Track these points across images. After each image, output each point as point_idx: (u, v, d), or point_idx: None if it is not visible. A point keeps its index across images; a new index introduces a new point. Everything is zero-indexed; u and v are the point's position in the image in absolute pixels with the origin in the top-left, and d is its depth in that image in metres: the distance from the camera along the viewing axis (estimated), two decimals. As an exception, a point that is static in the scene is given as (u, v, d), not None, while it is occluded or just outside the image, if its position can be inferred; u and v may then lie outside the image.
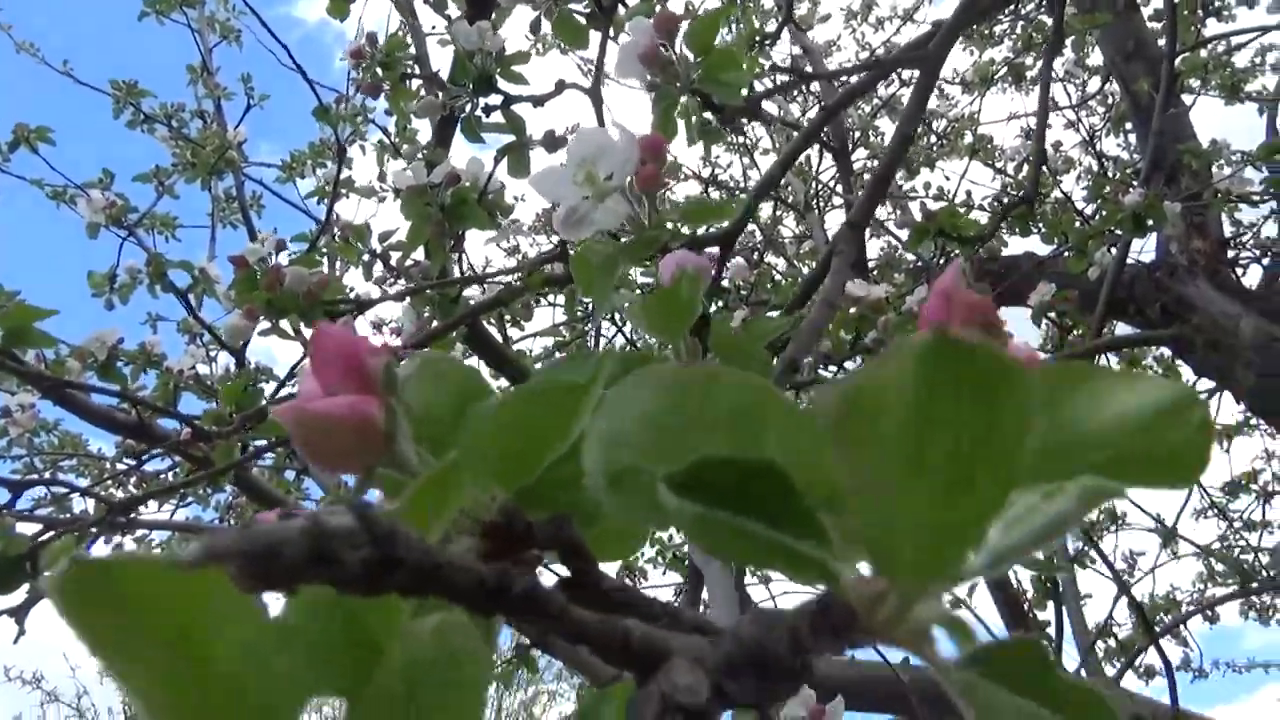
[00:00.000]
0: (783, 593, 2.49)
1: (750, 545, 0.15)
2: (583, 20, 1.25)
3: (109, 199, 2.18)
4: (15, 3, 3.02)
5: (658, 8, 1.25)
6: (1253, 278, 3.04)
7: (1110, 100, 3.67)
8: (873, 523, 0.14)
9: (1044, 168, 3.05)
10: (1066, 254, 2.29)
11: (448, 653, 0.20)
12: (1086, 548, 2.40)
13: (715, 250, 0.99)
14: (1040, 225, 2.95)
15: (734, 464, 0.15)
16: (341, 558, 0.13)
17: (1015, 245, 3.42)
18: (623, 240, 0.58)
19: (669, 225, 0.61)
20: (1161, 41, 2.63)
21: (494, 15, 1.47)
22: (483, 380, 0.29)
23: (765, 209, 3.86)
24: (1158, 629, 2.32)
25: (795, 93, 3.59)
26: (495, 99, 1.20)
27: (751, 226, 3.82)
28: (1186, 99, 2.91)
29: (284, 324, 1.33)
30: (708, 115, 0.83)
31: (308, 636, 0.17)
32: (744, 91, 0.84)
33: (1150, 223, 2.08)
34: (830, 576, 0.15)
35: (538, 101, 1.22)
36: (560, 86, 1.21)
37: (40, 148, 2.48)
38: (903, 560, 0.15)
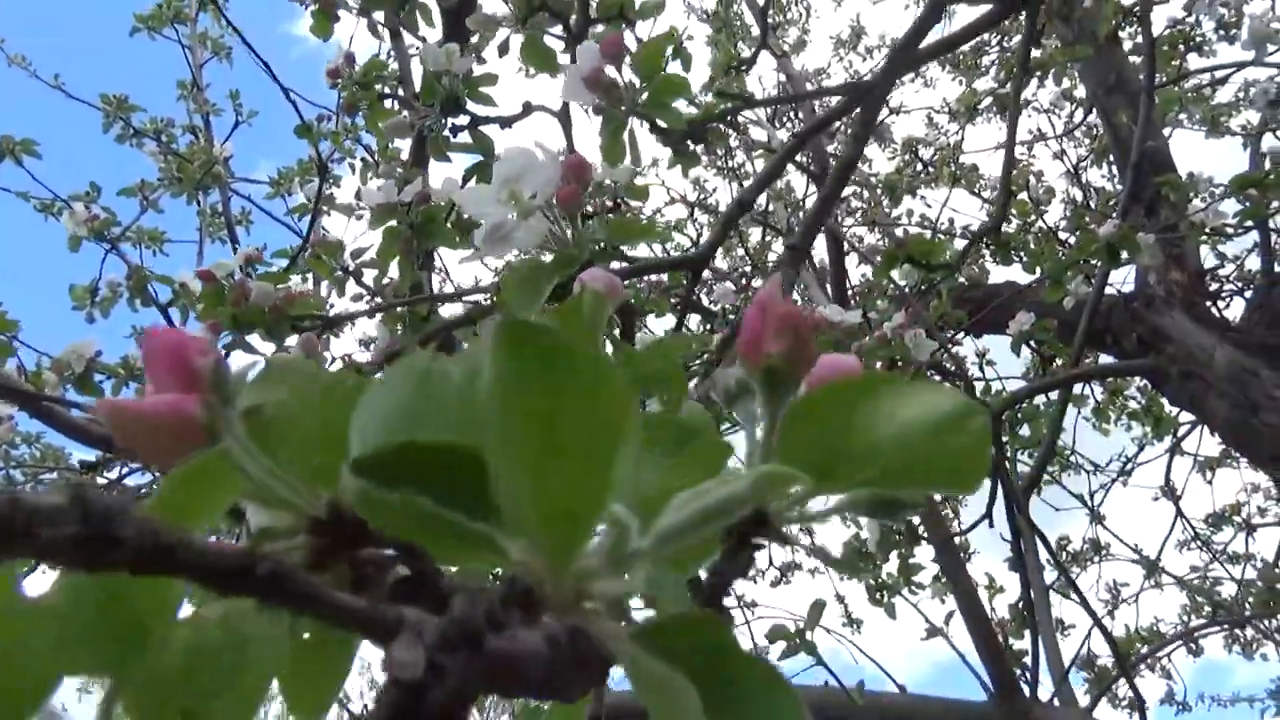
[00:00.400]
0: (757, 616, 2.49)
1: (422, 525, 0.16)
2: (553, 45, 1.27)
3: (92, 213, 2.20)
4: (7, 16, 3.05)
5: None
6: (1236, 310, 3.06)
7: (1095, 132, 3.71)
8: (503, 496, 0.15)
9: (1026, 197, 3.08)
10: (1043, 283, 2.31)
11: (234, 638, 0.21)
12: (1061, 578, 2.40)
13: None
14: (1022, 255, 2.98)
15: (434, 449, 0.16)
16: (37, 533, 0.14)
17: (998, 274, 3.45)
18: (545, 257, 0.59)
19: (599, 244, 0.62)
20: (1142, 75, 2.66)
21: (475, 39, 1.50)
22: (341, 381, 0.29)
23: (755, 234, 3.89)
24: (1133, 659, 2.32)
25: (784, 119, 3.63)
26: (463, 119, 1.21)
27: (740, 251, 3.85)
28: (1167, 132, 2.94)
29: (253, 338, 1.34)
30: (654, 137, 0.85)
31: (68, 616, 0.18)
32: (687, 115, 0.85)
33: (1124, 253, 2.09)
34: (503, 555, 0.16)
35: (505, 123, 1.23)
36: (528, 108, 1.22)
37: (28, 161, 2.50)
38: (530, 530, 0.16)
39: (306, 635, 0.32)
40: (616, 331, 0.80)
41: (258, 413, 0.28)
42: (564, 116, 1.32)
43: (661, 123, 0.81)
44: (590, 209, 1.57)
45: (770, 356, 0.26)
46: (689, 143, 0.92)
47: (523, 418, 0.14)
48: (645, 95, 0.80)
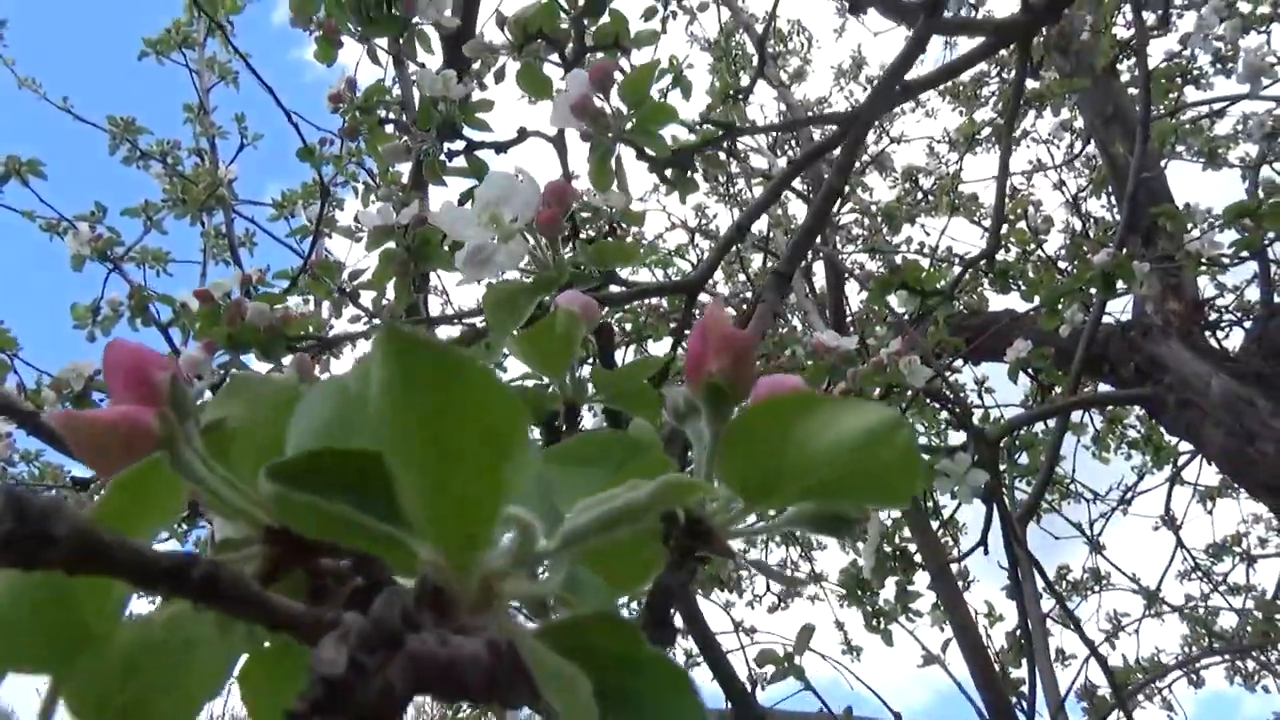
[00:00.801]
0: (754, 642, 2.48)
1: (333, 526, 0.17)
2: (551, 73, 1.29)
3: (96, 233, 2.22)
4: (17, 40, 3.09)
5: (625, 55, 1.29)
6: (1235, 341, 3.06)
7: (1095, 163, 3.73)
8: (402, 500, 0.16)
9: (1025, 226, 3.09)
10: (1040, 311, 2.32)
11: (179, 639, 0.22)
12: (1058, 607, 2.39)
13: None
14: (1020, 283, 2.99)
15: (344, 455, 0.17)
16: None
17: (997, 303, 3.45)
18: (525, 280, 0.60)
19: (579, 266, 0.63)
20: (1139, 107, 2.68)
21: (476, 66, 1.52)
22: (292, 395, 0.30)
23: (756, 260, 3.91)
24: (1131, 689, 2.30)
25: (785, 147, 3.66)
26: (459, 144, 1.23)
27: (741, 276, 3.87)
28: (1165, 164, 2.96)
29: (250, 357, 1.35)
30: (647, 164, 0.86)
31: (8, 615, 0.19)
32: (672, 142, 0.87)
33: (1120, 282, 2.11)
34: (412, 555, 0.17)
35: (501, 148, 1.25)
36: (523, 134, 1.24)
37: (34, 182, 2.53)
38: (430, 532, 0.16)
39: (267, 644, 0.32)
40: (595, 357, 0.81)
41: (218, 427, 0.29)
42: (559, 142, 1.34)
43: (648, 149, 0.82)
44: (590, 233, 1.59)
45: (712, 375, 0.27)
46: (674, 169, 0.93)
47: (409, 425, 0.15)
48: (632, 123, 0.81)
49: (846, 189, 3.79)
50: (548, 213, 0.58)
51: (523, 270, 0.60)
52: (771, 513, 0.31)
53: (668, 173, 0.92)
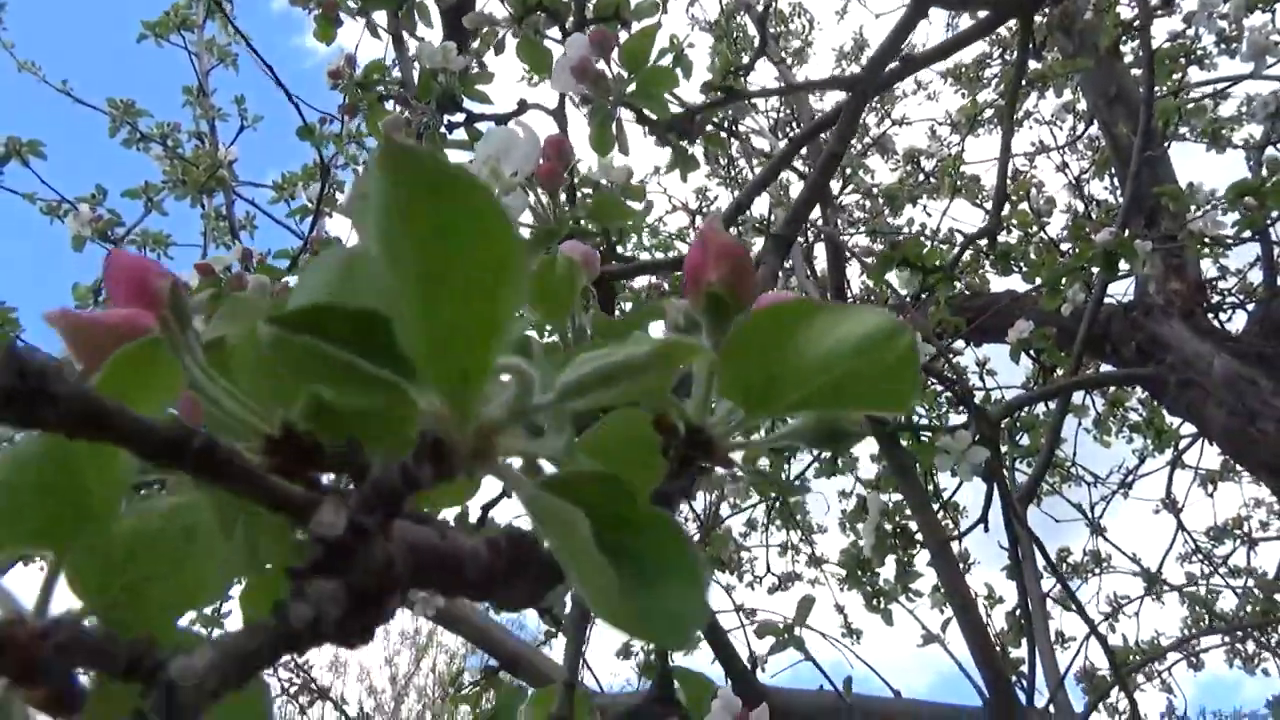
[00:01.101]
0: (754, 622, 2.48)
1: (330, 370, 0.17)
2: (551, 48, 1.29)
3: (97, 214, 2.22)
4: (17, 23, 3.08)
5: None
6: (1237, 323, 3.06)
7: (1097, 144, 3.72)
8: (402, 333, 0.16)
9: (1027, 208, 3.09)
10: (1041, 291, 2.31)
11: (178, 528, 0.22)
12: (1058, 587, 2.39)
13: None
14: (1022, 265, 2.99)
15: (343, 311, 0.17)
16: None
17: (999, 285, 3.45)
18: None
19: (578, 220, 0.63)
20: (1142, 86, 2.67)
21: (477, 42, 1.51)
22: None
23: (758, 243, 3.90)
24: (1129, 668, 2.31)
25: (786, 129, 3.65)
26: (459, 117, 1.23)
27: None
28: (1168, 145, 2.95)
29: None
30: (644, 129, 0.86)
31: (12, 487, 0.19)
32: (674, 108, 0.87)
33: (1122, 261, 2.10)
34: (409, 403, 0.17)
35: (500, 120, 1.25)
36: (523, 106, 1.24)
37: (35, 163, 2.53)
38: (428, 369, 0.16)
39: (269, 566, 0.32)
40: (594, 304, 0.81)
41: (218, 346, 0.29)
42: (559, 114, 1.33)
43: (648, 113, 0.82)
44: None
45: (711, 285, 0.27)
46: (676, 135, 0.93)
47: (404, 242, 0.15)
48: (632, 86, 0.81)
49: (847, 172, 3.78)
50: (547, 165, 0.58)
51: (523, 224, 0.60)
52: (769, 427, 0.31)
53: (668, 136, 0.92)
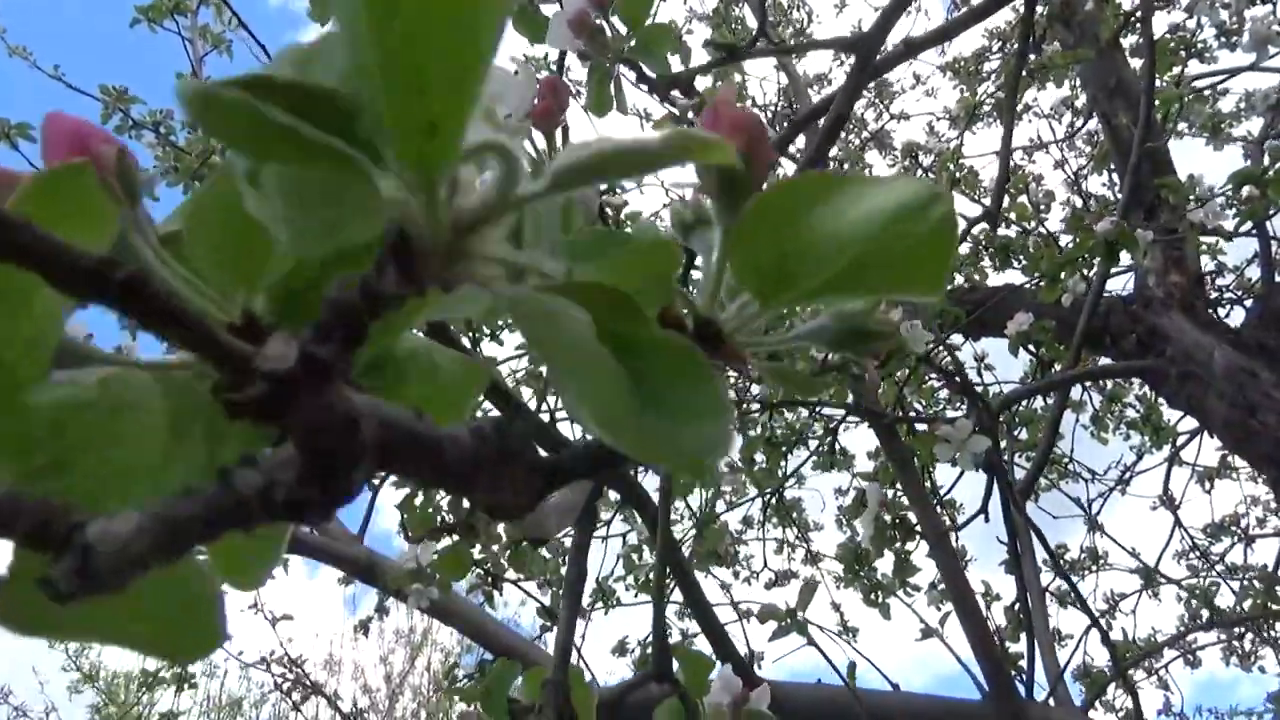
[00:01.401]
0: (750, 618, 2.46)
1: (289, 147, 0.14)
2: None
3: (86, 197, 2.19)
4: (8, 7, 3.05)
5: None
6: (1235, 319, 3.04)
7: (1096, 139, 3.71)
8: (370, 115, 0.13)
9: (1026, 201, 3.07)
10: (1040, 284, 2.30)
11: (110, 400, 0.20)
12: (1055, 579, 2.38)
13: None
14: (1021, 258, 2.97)
15: (290, 83, 0.14)
16: None
17: (997, 280, 3.43)
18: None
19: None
20: (1143, 78, 2.65)
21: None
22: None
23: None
24: (1128, 659, 2.29)
25: (784, 121, 3.63)
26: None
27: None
28: (1168, 138, 2.93)
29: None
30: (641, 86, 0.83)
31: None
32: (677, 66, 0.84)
33: (1123, 251, 2.08)
34: (371, 186, 0.14)
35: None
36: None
37: (26, 147, 2.50)
38: (391, 129, 0.14)
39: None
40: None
41: (176, 240, 0.27)
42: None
43: (648, 70, 0.80)
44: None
45: (723, 160, 0.24)
46: (674, 93, 0.90)
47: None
48: (632, 43, 0.78)
49: (847, 166, 3.76)
50: (544, 104, 0.55)
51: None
52: (786, 326, 0.29)
53: (668, 95, 0.89)
